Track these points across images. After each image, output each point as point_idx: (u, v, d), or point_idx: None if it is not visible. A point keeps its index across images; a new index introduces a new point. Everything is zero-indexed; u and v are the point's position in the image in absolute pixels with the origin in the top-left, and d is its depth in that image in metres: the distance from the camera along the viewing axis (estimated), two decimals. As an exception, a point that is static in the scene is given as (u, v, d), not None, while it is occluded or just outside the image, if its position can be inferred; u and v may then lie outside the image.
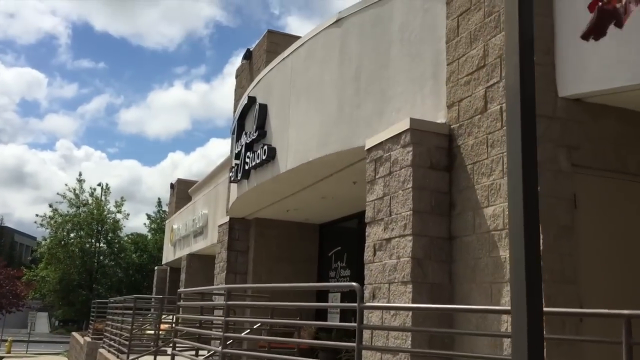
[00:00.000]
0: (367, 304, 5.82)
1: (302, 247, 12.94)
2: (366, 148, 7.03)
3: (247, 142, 9.82)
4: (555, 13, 5.47)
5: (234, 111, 15.18)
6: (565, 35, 5.36)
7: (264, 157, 9.03)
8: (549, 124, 5.28)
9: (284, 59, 9.18)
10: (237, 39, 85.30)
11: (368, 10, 7.51)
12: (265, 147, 9.03)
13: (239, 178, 10.14)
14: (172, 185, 29.22)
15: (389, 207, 6.47)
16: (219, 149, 70.64)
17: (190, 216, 20.69)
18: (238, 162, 10.37)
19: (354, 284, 4.96)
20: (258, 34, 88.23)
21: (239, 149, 10.29)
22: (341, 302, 11.00)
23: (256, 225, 12.77)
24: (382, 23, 7.30)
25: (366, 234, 6.87)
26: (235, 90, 15.36)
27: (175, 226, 23.31)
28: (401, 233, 6.17)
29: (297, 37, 13.66)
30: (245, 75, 14.57)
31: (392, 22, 7.17)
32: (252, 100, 10.10)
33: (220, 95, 79.73)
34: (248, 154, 9.72)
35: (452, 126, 6.32)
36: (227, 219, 13.19)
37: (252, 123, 9.85)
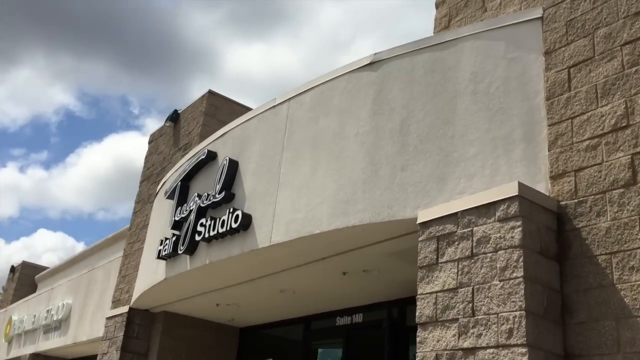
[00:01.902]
0: None
1: (218, 354, 10.23)
2: (420, 221, 5.19)
3: (202, 205, 7.48)
4: None
5: (141, 180, 12.66)
6: None
7: (233, 226, 6.75)
8: None
9: (273, 106, 7.25)
10: (88, 131, 79.41)
11: (422, 54, 5.97)
12: (238, 212, 6.79)
13: (179, 252, 7.62)
14: (12, 269, 24.42)
15: (470, 302, 4.57)
16: (48, 242, 62.82)
17: (42, 306, 16.75)
18: (177, 232, 7.89)
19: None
20: (113, 129, 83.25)
21: (182, 216, 7.86)
22: None
23: (164, 321, 9.94)
24: (442, 69, 5.77)
25: (417, 339, 4.85)
26: (147, 157, 12.90)
27: (15, 317, 18.86)
28: (502, 342, 4.25)
29: (239, 104, 11.90)
30: (166, 140, 12.22)
31: (459, 69, 5.67)
32: (211, 155, 7.88)
33: (58, 185, 72.56)
34: (202, 221, 7.35)
35: (562, 202, 4.73)
36: (122, 309, 10.21)
37: (212, 183, 7.58)
